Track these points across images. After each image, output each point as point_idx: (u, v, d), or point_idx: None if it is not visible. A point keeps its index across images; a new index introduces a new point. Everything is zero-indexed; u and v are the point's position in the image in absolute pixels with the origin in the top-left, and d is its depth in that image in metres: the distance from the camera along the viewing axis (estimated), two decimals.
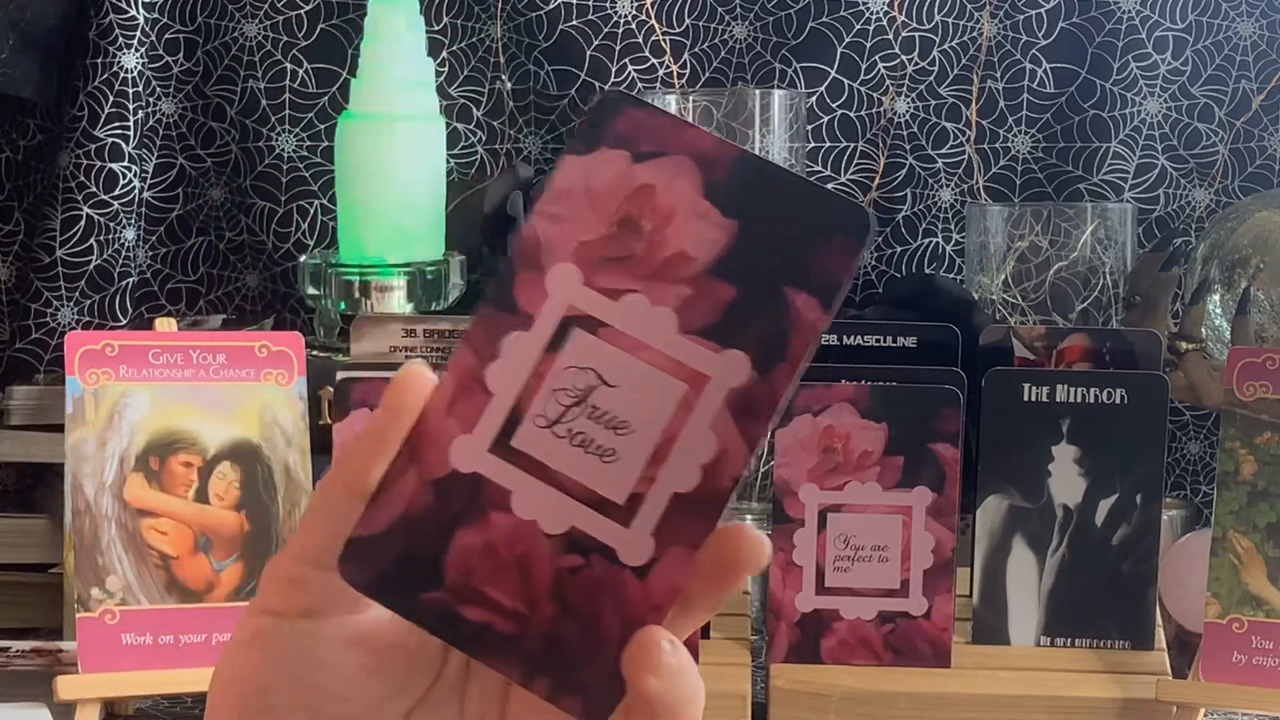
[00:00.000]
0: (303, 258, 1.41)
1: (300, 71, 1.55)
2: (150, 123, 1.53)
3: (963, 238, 1.51)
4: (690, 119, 1.37)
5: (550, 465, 0.49)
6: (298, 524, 0.51)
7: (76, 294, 1.50)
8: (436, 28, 1.53)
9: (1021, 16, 1.55)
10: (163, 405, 1.18)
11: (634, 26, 1.54)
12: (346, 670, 0.51)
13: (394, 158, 1.38)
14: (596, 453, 0.49)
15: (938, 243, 1.57)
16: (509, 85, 1.56)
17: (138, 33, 1.50)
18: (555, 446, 0.49)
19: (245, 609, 0.53)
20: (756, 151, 1.35)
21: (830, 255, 0.49)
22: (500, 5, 1.54)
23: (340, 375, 1.17)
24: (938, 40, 1.55)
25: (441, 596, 0.49)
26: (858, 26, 1.54)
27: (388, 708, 0.52)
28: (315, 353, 1.34)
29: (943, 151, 1.56)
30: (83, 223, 1.49)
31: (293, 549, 0.52)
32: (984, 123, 1.56)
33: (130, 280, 1.53)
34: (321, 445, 1.21)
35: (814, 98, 1.54)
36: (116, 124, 1.49)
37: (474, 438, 0.50)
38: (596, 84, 1.53)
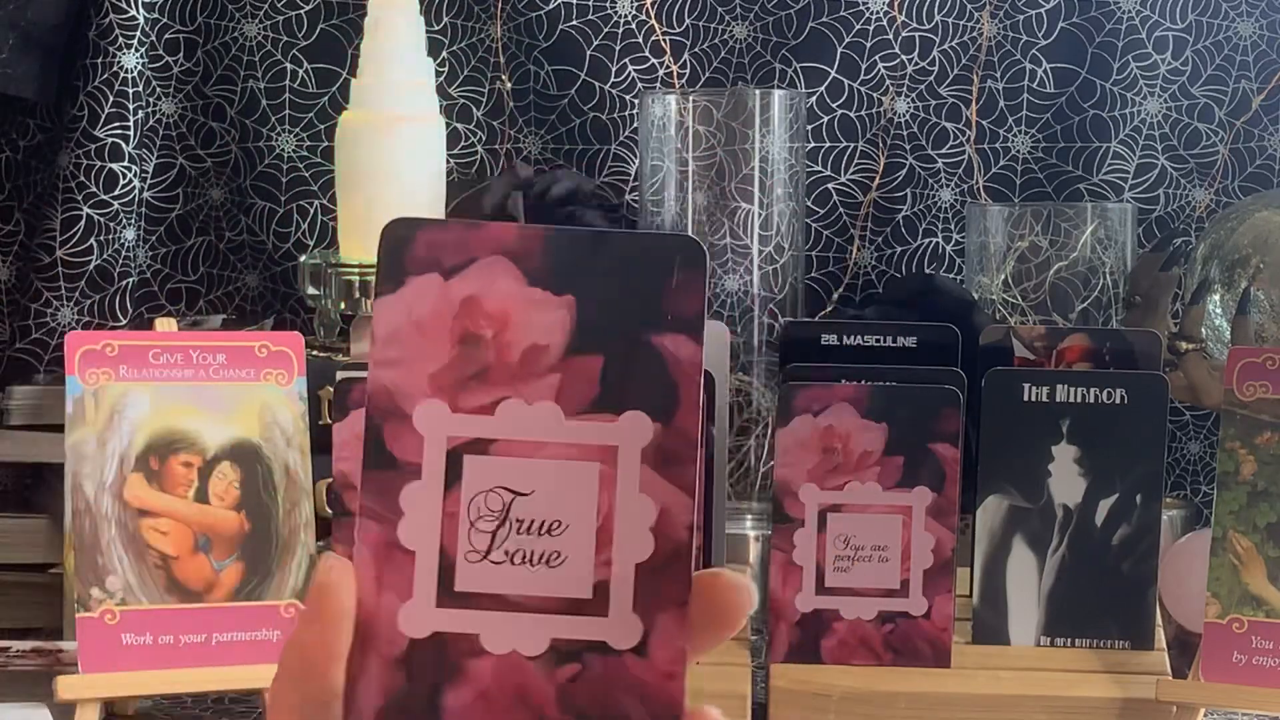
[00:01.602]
0: (303, 258, 1.41)
1: (300, 71, 1.55)
2: (150, 123, 1.53)
3: (963, 238, 1.51)
4: (690, 121, 1.38)
5: (502, 593, 0.48)
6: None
7: (76, 294, 1.50)
8: (436, 28, 1.53)
9: (1021, 16, 1.55)
10: (163, 405, 1.18)
11: (634, 26, 1.54)
12: None
13: (394, 158, 1.38)
14: (542, 562, 0.48)
15: (938, 243, 1.56)
16: (509, 85, 1.56)
17: (138, 33, 1.50)
18: (498, 573, 0.48)
19: None
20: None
21: (677, 290, 0.49)
22: (500, 5, 1.54)
23: (340, 375, 1.17)
24: (938, 40, 1.55)
25: None
26: (858, 26, 1.54)
27: None
28: (315, 353, 1.34)
29: (943, 151, 1.56)
30: (83, 223, 1.49)
31: None
32: (984, 123, 1.56)
33: (130, 280, 1.53)
34: (321, 445, 1.21)
35: (814, 98, 1.54)
36: (116, 124, 1.49)
37: (416, 600, 0.48)
38: (596, 84, 1.53)
